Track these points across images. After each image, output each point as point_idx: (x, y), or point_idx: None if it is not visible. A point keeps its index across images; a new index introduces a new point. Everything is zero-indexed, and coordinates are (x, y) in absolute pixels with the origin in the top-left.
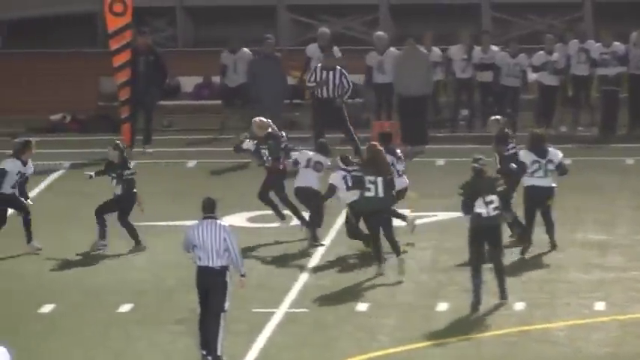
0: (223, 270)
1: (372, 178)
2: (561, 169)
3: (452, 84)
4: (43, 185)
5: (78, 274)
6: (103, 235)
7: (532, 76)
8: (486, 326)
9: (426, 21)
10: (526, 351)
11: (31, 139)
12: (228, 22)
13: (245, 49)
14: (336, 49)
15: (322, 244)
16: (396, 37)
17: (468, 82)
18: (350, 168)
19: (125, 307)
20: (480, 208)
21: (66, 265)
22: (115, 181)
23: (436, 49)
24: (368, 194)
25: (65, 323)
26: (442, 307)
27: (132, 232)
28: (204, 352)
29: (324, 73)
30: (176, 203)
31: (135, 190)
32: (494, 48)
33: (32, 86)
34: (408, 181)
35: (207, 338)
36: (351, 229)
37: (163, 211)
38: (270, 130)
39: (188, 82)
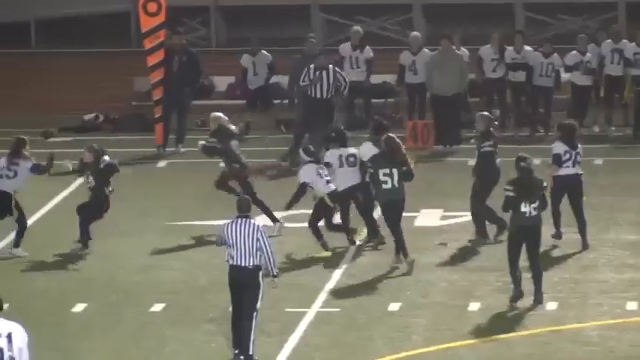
0: (256, 270)
1: (386, 170)
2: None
3: (482, 84)
4: (75, 185)
5: (111, 273)
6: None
7: (565, 77)
8: (518, 326)
9: (459, 21)
10: (558, 351)
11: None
12: (262, 22)
13: (264, 52)
14: (368, 48)
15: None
16: (429, 38)
17: (499, 81)
18: (314, 158)
19: (158, 307)
20: (524, 207)
21: (99, 264)
22: (90, 179)
23: (464, 50)
24: (385, 187)
25: (98, 322)
26: (474, 306)
27: (84, 233)
28: (237, 352)
29: (317, 72)
30: (209, 203)
31: (107, 192)
32: (527, 48)
33: (65, 85)
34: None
35: (240, 337)
36: (329, 222)
37: (196, 211)
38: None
39: (221, 82)
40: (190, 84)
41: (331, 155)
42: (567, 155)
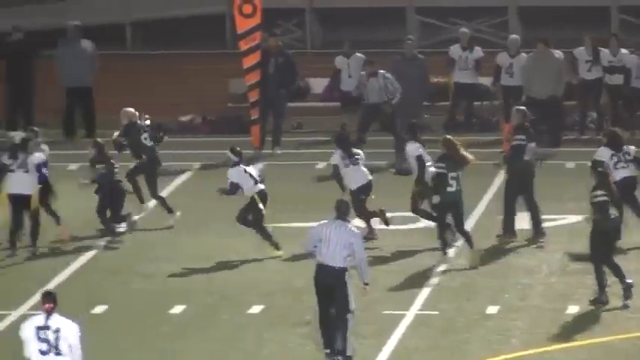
0: (343, 271)
1: (454, 174)
2: (637, 162)
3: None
4: (172, 186)
5: (208, 275)
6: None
7: None
8: (616, 329)
9: (555, 24)
10: None
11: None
12: (356, 24)
13: (358, 54)
14: (477, 49)
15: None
16: (524, 40)
17: (594, 83)
18: (239, 159)
19: (255, 309)
20: (611, 210)
21: (196, 265)
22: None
23: (559, 52)
24: (450, 189)
25: (196, 324)
26: (572, 309)
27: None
28: (328, 351)
29: (367, 78)
30: (305, 205)
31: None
32: (624, 51)
33: (160, 87)
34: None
35: (330, 337)
36: (258, 221)
37: (292, 213)
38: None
39: (317, 84)
40: (286, 86)
41: (336, 156)
42: (615, 158)
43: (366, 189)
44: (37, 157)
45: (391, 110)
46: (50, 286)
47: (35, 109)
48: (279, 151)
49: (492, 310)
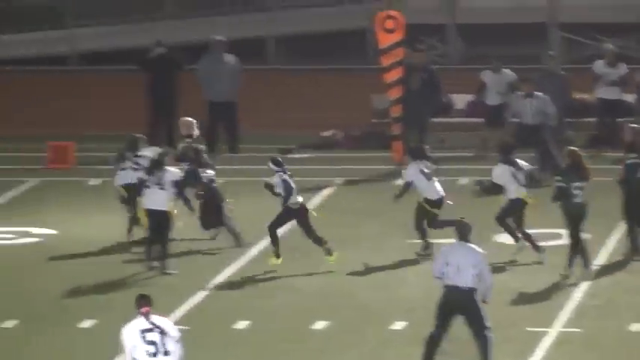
0: (473, 291)
1: (579, 184)
2: None
3: None
4: (315, 202)
5: (351, 290)
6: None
7: None
8: None
9: None
10: None
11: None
12: (498, 40)
13: (506, 70)
14: (622, 65)
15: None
16: None
17: None
18: (281, 169)
19: (398, 325)
20: None
21: (339, 281)
22: None
23: None
24: (576, 200)
25: (339, 340)
26: None
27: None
28: None
29: (523, 98)
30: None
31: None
32: None
33: (302, 102)
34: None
35: (432, 356)
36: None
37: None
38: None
39: (460, 100)
40: (430, 101)
41: (411, 169)
42: None
43: (437, 204)
44: (173, 173)
45: (548, 136)
46: (193, 301)
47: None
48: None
49: (637, 327)
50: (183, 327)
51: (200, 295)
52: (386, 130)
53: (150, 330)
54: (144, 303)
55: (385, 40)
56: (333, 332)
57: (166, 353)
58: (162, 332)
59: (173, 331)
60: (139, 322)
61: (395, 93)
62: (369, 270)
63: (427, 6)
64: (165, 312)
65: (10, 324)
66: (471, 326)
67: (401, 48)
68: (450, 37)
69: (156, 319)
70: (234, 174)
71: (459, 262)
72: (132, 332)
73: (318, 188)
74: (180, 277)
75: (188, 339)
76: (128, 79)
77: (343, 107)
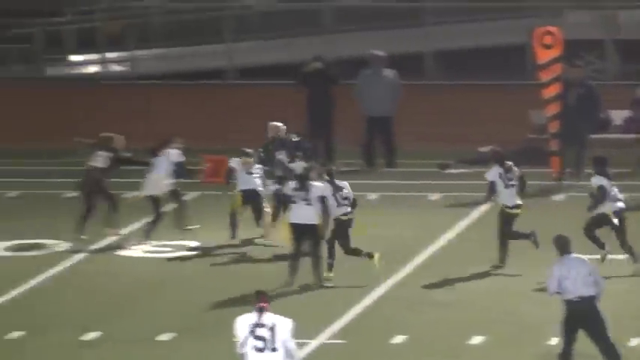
0: (594, 298)
1: None
2: None
3: None
4: (470, 218)
5: (507, 305)
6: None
7: None
8: None
9: None
10: None
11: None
12: None
13: None
14: None
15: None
16: None
17: None
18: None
19: (555, 340)
20: None
21: (498, 295)
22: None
23: None
24: None
25: (495, 356)
26: None
27: None
28: None
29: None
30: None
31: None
32: None
33: (459, 117)
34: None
35: None
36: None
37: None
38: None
39: (617, 115)
40: (589, 117)
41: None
42: None
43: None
44: (320, 188)
45: None
46: (348, 317)
47: (335, 138)
48: (581, 182)
49: None
50: (340, 341)
51: (355, 310)
52: (544, 146)
53: (260, 325)
54: (261, 298)
55: (543, 56)
56: (489, 348)
57: (274, 350)
58: (273, 329)
59: (286, 330)
60: (251, 317)
61: (553, 109)
62: (528, 285)
63: (585, 21)
64: (322, 325)
65: (165, 337)
66: (597, 340)
67: (559, 64)
68: (608, 52)
69: (270, 315)
70: (392, 189)
71: (577, 273)
72: (243, 325)
73: (476, 204)
74: (336, 291)
75: (344, 353)
76: (284, 93)
77: (501, 122)
